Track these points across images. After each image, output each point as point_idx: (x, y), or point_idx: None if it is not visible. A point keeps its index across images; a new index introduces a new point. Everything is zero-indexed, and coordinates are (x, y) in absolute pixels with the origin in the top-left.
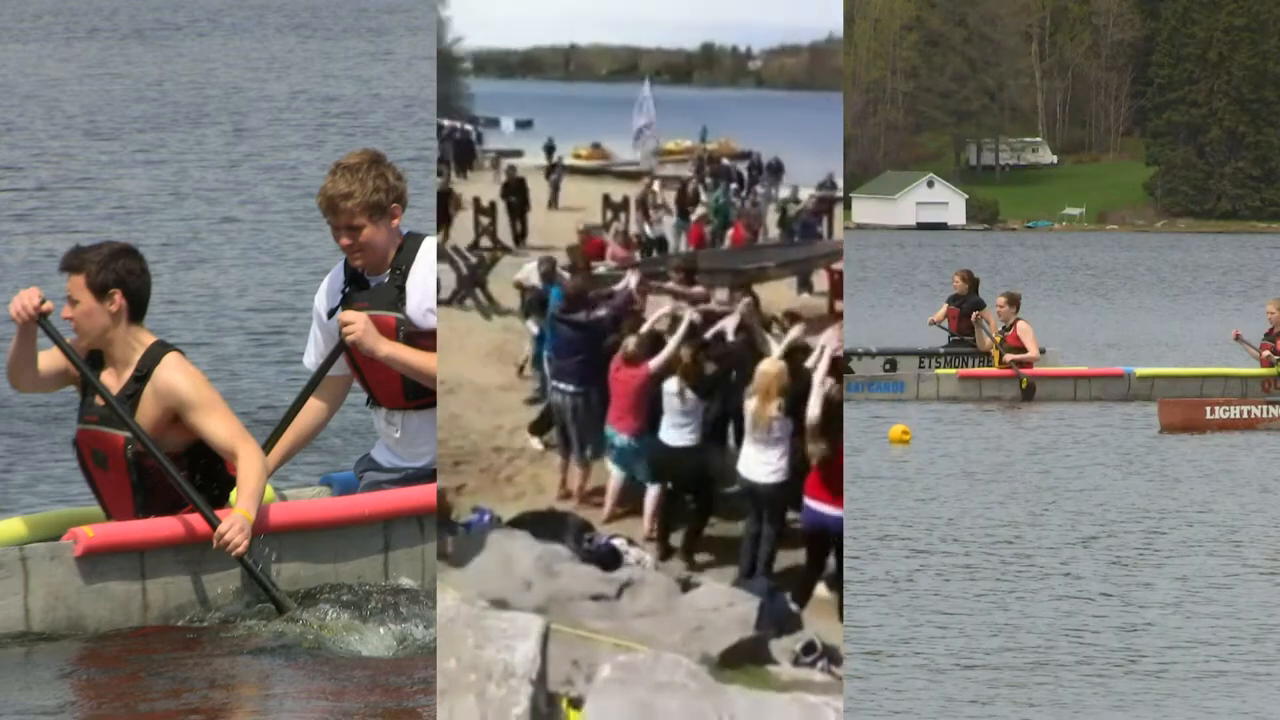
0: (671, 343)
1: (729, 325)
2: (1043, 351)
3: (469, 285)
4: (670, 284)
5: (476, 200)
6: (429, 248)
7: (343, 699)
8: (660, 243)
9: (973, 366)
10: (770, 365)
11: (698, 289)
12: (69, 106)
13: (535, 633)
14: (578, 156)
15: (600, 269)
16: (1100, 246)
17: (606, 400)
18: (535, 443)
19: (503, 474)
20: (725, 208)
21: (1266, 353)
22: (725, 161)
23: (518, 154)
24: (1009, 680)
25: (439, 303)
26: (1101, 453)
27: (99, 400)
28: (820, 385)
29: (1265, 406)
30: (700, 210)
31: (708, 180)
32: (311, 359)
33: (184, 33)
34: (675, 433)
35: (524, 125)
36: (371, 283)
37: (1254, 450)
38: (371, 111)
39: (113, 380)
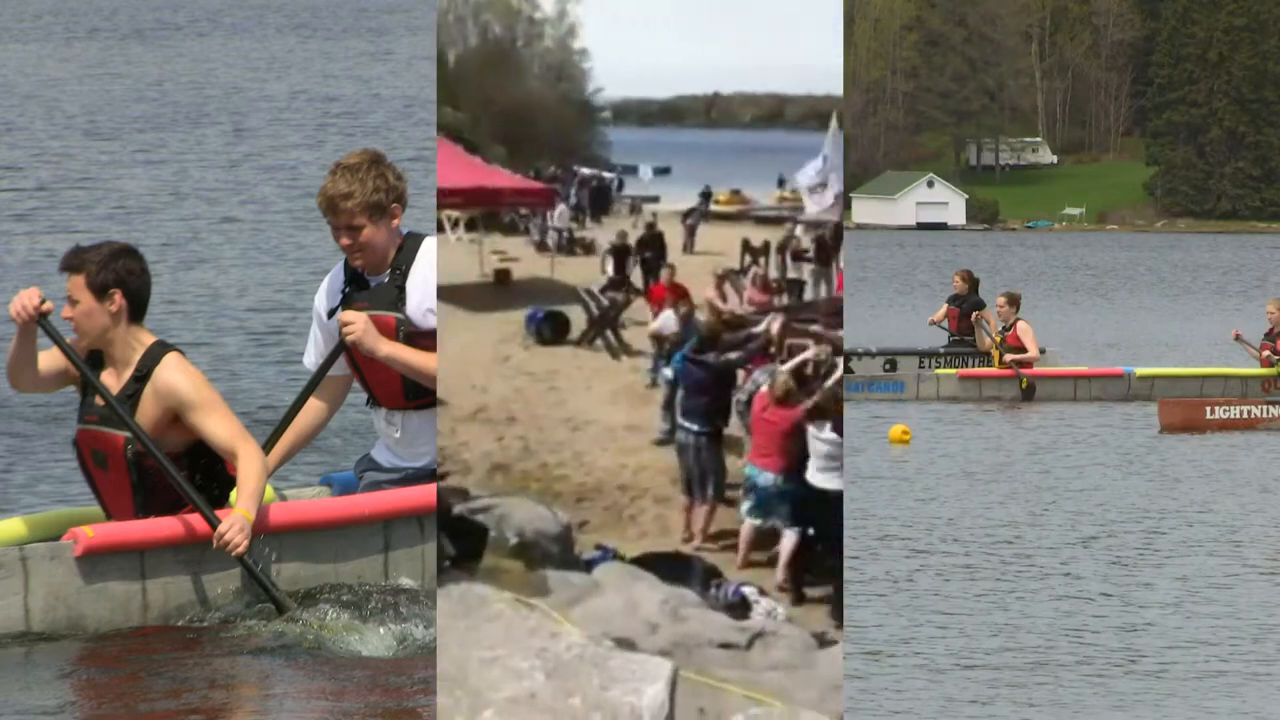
0: (827, 385)
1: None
2: (1043, 351)
3: (600, 326)
4: (816, 327)
5: (612, 245)
6: (429, 248)
7: (343, 699)
8: (799, 287)
9: (973, 366)
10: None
11: (841, 333)
12: (69, 106)
13: (664, 677)
14: (717, 202)
15: (739, 312)
16: (1100, 246)
17: (733, 441)
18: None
19: (626, 513)
20: None
21: (1266, 353)
22: None
23: (654, 199)
24: (1009, 680)
25: (570, 342)
26: (1101, 453)
27: (99, 400)
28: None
29: (1265, 406)
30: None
31: None
32: (311, 359)
33: (184, 33)
34: (823, 476)
35: (662, 172)
36: (371, 283)
37: (1254, 450)
38: (371, 111)
39: (113, 380)
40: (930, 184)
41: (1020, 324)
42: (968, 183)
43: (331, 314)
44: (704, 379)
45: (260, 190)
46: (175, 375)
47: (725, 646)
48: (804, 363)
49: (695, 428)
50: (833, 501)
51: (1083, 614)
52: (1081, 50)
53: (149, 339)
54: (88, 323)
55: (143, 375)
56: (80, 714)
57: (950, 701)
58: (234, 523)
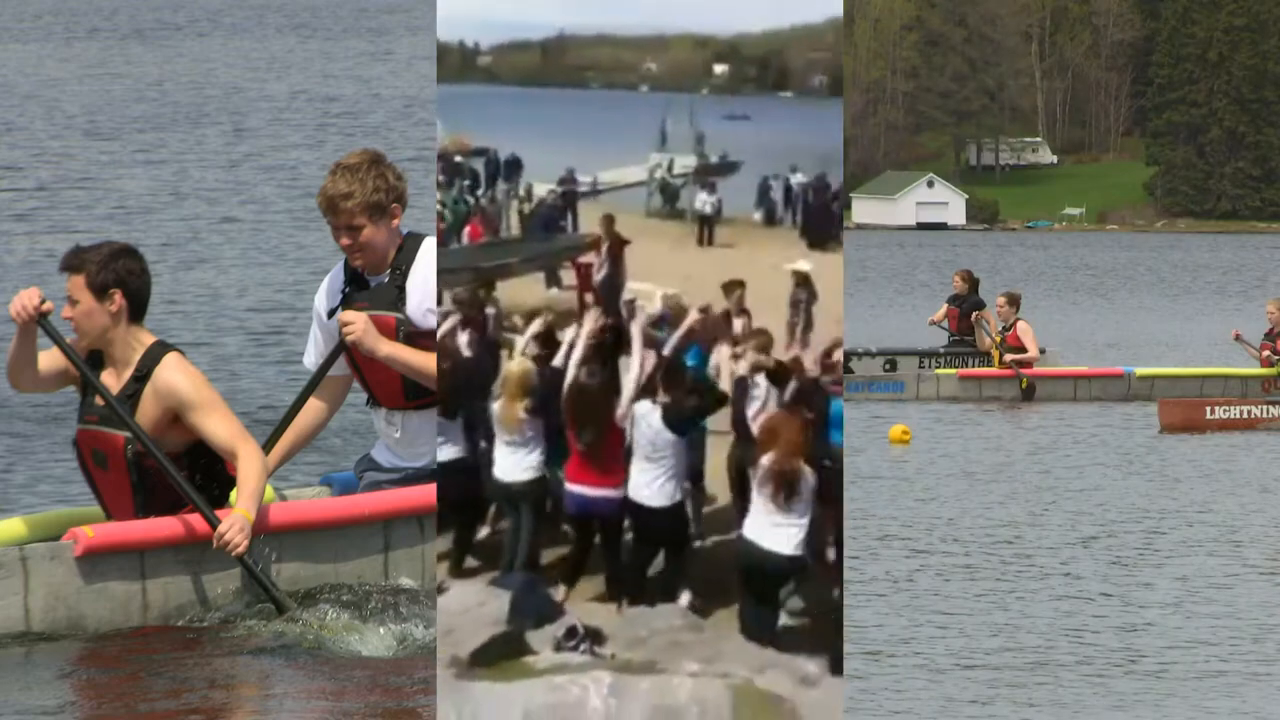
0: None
1: (464, 338)
2: (1043, 351)
3: None
4: None
5: None
6: (429, 248)
7: (343, 699)
8: None
9: (973, 366)
10: (515, 366)
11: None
12: (69, 106)
13: None
14: None
15: None
16: (1100, 246)
17: None
18: None
19: None
20: (461, 206)
21: (1266, 353)
22: (459, 159)
23: None
24: (1009, 680)
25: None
26: (1101, 453)
27: (99, 400)
28: (574, 374)
29: (1265, 406)
30: (436, 209)
31: (441, 178)
32: (311, 359)
33: (184, 33)
34: (438, 450)
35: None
36: (371, 283)
37: (1254, 450)
38: (371, 111)
39: (113, 380)
40: (930, 184)
41: (1020, 324)
42: (968, 183)
43: (331, 314)
44: None
45: (260, 190)
46: (175, 375)
47: None
48: None
49: None
50: (459, 472)
51: (1083, 614)
52: (1081, 50)
53: (149, 339)
54: (88, 323)
55: (143, 375)
56: (80, 714)
57: (950, 701)
58: (234, 523)
